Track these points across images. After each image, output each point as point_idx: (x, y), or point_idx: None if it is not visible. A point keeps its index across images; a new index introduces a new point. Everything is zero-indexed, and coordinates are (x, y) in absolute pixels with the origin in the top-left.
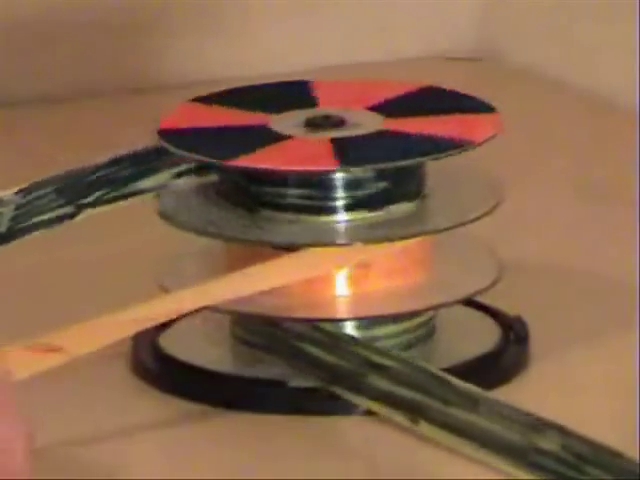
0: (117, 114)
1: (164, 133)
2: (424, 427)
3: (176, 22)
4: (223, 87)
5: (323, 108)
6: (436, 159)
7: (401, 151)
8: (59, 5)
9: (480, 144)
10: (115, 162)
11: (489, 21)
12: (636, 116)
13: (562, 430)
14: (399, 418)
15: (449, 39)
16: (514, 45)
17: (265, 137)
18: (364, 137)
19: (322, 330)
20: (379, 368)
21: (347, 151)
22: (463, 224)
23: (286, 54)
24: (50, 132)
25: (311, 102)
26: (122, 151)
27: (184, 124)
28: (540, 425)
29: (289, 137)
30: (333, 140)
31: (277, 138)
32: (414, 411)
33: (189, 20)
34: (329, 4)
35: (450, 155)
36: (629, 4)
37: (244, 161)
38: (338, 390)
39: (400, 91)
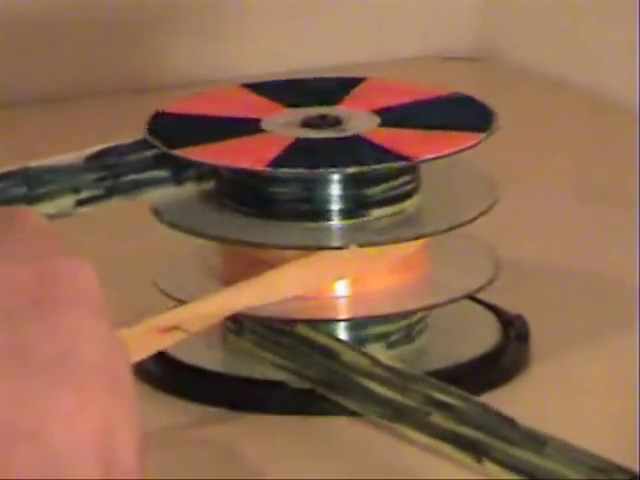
0: (117, 114)
1: (159, 115)
2: (489, 466)
3: (176, 22)
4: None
5: (339, 108)
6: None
7: (336, 158)
8: (59, 6)
9: (414, 163)
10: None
11: (488, 21)
12: (636, 116)
13: (628, 472)
14: (462, 457)
15: (448, 39)
16: (514, 45)
17: (236, 130)
18: (327, 140)
19: (384, 366)
20: (443, 406)
21: (296, 153)
22: (460, 225)
23: (285, 54)
24: (50, 132)
25: (338, 99)
26: (12, 167)
27: (189, 109)
28: (607, 467)
29: (260, 132)
30: (296, 140)
31: (249, 132)
32: (478, 451)
33: (189, 20)
34: (328, 4)
35: (371, 170)
36: (629, 4)
37: (187, 151)
38: (400, 427)
39: (431, 95)
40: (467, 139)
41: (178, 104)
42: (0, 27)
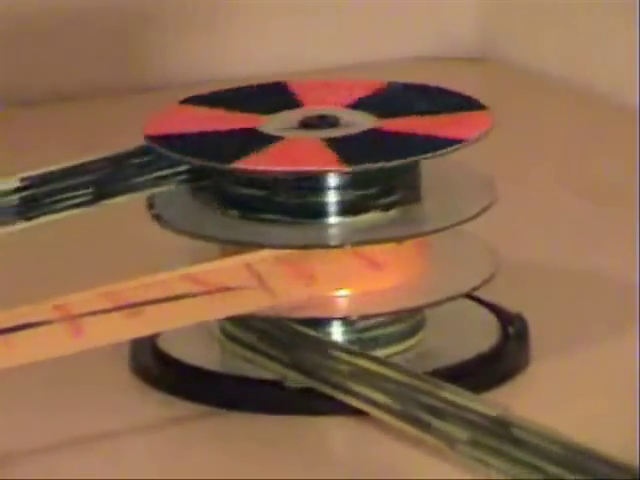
0: (117, 114)
1: (153, 138)
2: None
3: (177, 22)
4: (223, 87)
5: (308, 108)
6: (432, 157)
7: (396, 150)
8: (59, 6)
9: (474, 141)
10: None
11: (488, 21)
12: (636, 116)
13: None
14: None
15: (449, 39)
16: (514, 45)
17: (259, 140)
18: (357, 136)
19: (385, 364)
20: (444, 406)
21: (342, 150)
22: (458, 224)
23: (285, 55)
24: (50, 132)
25: (296, 103)
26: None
27: (171, 129)
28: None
29: (282, 138)
30: (326, 140)
31: (271, 140)
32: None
33: (191, 20)
34: (328, 4)
35: (444, 154)
36: (629, 4)
37: (246, 164)
38: (401, 425)
39: (371, 89)
40: (478, 116)
41: (152, 126)
42: (0, 26)
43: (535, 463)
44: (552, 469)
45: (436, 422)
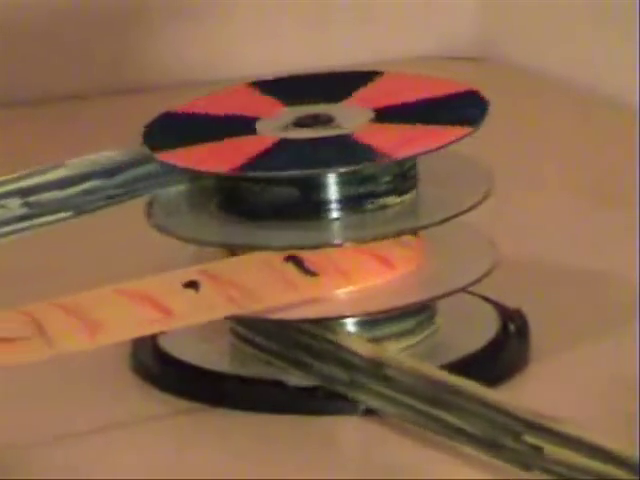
0: (117, 114)
1: (165, 115)
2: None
3: (178, 22)
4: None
5: (339, 106)
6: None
7: (305, 161)
8: (58, 5)
9: (392, 161)
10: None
11: (489, 21)
12: (636, 115)
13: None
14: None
15: (449, 39)
16: (514, 45)
17: (223, 131)
18: (311, 140)
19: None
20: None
21: (269, 155)
22: (454, 217)
23: (287, 55)
24: (50, 132)
25: (343, 97)
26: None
27: (193, 109)
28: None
29: (248, 133)
30: (276, 142)
31: (235, 134)
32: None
33: (192, 19)
34: (329, 4)
35: (342, 171)
36: (629, 4)
37: (167, 155)
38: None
39: (438, 92)
40: (454, 132)
41: (189, 103)
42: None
43: (405, 401)
44: (420, 406)
45: (317, 364)
